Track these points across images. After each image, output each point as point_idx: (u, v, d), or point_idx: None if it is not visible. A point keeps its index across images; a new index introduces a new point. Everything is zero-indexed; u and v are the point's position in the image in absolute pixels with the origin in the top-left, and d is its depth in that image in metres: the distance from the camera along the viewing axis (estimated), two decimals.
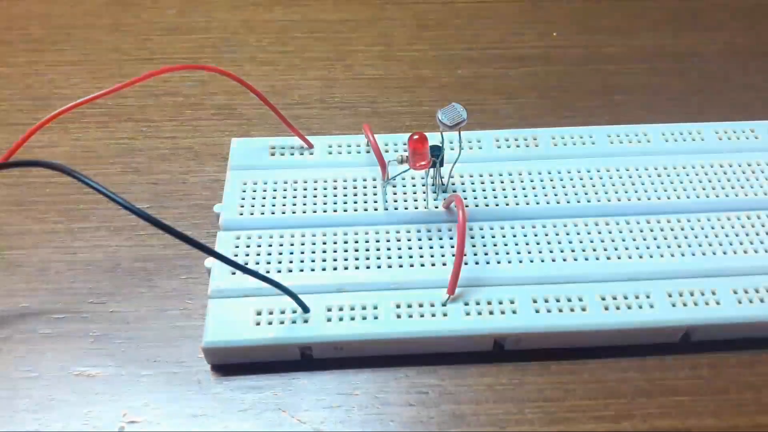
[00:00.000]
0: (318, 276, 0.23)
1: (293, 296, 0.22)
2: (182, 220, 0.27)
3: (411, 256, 0.24)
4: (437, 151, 0.24)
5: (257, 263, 0.23)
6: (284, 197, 0.25)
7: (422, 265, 0.23)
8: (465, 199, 0.25)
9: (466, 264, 0.23)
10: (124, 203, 0.18)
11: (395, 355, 0.23)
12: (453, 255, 0.24)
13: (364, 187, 0.26)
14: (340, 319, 0.22)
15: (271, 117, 0.31)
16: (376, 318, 0.22)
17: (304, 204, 0.25)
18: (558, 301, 0.23)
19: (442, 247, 0.24)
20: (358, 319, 0.22)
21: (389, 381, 0.22)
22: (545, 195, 0.26)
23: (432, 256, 0.24)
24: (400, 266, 0.23)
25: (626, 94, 0.32)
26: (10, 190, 0.28)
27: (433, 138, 0.24)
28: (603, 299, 0.23)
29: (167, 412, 0.22)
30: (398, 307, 0.22)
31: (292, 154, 0.27)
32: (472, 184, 0.26)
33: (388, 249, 0.24)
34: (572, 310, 0.22)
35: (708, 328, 0.23)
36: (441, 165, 0.25)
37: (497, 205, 0.25)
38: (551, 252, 0.24)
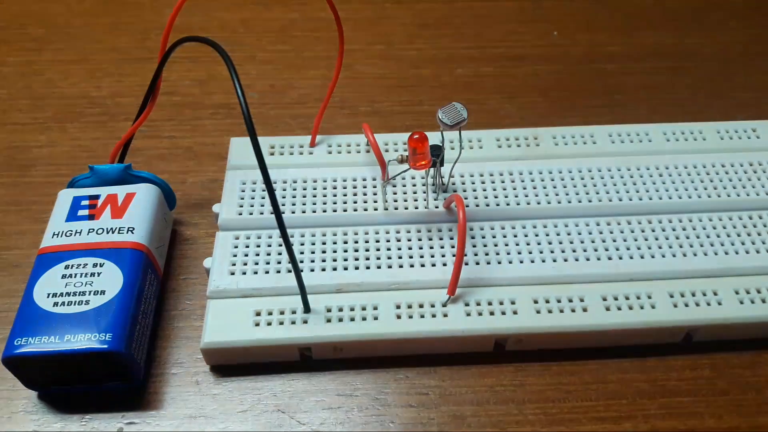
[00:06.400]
0: (317, 276, 0.23)
1: (303, 291, 0.21)
2: (181, 221, 0.27)
3: (411, 256, 0.24)
4: (437, 151, 0.24)
5: (256, 263, 0.23)
6: (283, 197, 0.25)
7: (422, 266, 0.23)
8: (465, 198, 0.25)
9: (466, 264, 0.23)
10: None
11: (395, 356, 0.23)
12: (453, 255, 0.24)
13: (364, 187, 0.26)
14: (340, 320, 0.22)
15: (270, 116, 0.31)
16: (375, 318, 0.22)
17: (304, 204, 0.25)
18: (559, 301, 0.23)
19: (442, 247, 0.24)
20: (358, 320, 0.22)
21: (389, 382, 0.22)
22: (546, 195, 0.25)
23: (432, 256, 0.24)
24: (400, 266, 0.23)
25: (627, 94, 0.32)
26: (8, 190, 0.28)
27: (433, 137, 0.23)
28: (604, 299, 0.23)
29: (166, 413, 0.21)
30: (398, 307, 0.22)
31: (292, 154, 0.27)
32: (473, 183, 0.26)
33: (388, 249, 0.24)
34: (573, 310, 0.22)
35: (710, 329, 0.22)
36: (441, 164, 0.24)
37: (498, 204, 0.25)
38: (552, 252, 0.24)
